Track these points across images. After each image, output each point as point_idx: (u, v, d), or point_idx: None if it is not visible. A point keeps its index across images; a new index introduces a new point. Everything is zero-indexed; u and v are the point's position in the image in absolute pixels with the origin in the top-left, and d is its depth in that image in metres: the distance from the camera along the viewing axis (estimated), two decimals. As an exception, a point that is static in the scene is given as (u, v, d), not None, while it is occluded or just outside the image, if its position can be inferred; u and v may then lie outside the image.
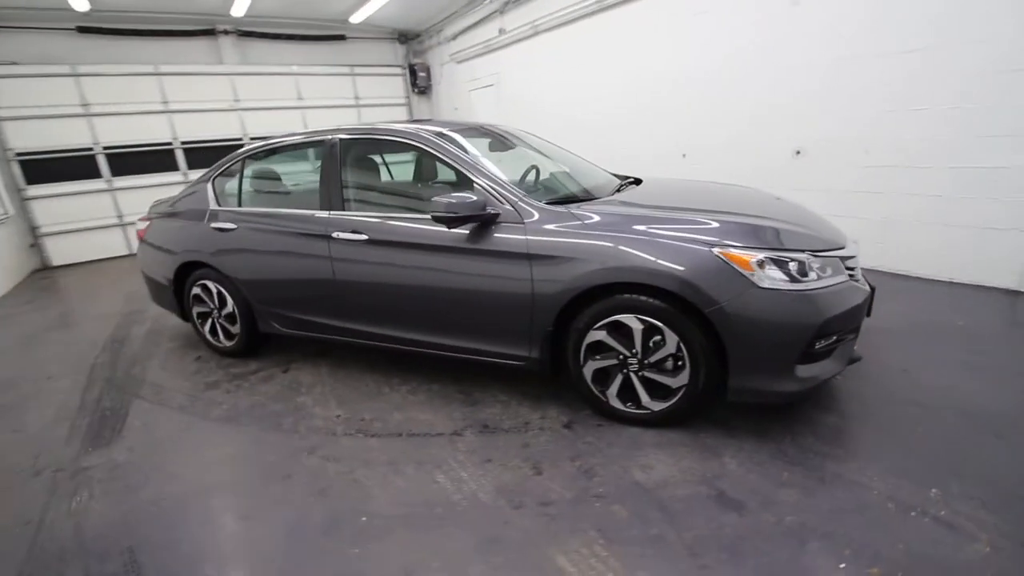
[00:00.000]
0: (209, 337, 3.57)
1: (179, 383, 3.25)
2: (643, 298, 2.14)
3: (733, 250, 2.04)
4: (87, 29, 7.11)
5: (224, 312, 3.39)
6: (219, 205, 3.35)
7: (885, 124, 3.95)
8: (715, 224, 2.20)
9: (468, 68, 8.86)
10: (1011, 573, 1.51)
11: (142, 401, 3.06)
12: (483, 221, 2.40)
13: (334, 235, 2.79)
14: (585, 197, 2.69)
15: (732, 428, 2.29)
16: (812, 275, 2.07)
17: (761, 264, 2.01)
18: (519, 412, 2.58)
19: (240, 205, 3.32)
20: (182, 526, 2.00)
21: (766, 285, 1.99)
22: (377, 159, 3.33)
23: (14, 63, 6.74)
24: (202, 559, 1.83)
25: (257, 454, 2.42)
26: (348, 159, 2.94)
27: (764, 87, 4.70)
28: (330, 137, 2.97)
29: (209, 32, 8.06)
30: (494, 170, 2.59)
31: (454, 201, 2.31)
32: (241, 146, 3.57)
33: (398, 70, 10.09)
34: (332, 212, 2.85)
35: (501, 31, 7.70)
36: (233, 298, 3.30)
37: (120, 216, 7.72)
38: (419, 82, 9.99)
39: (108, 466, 2.42)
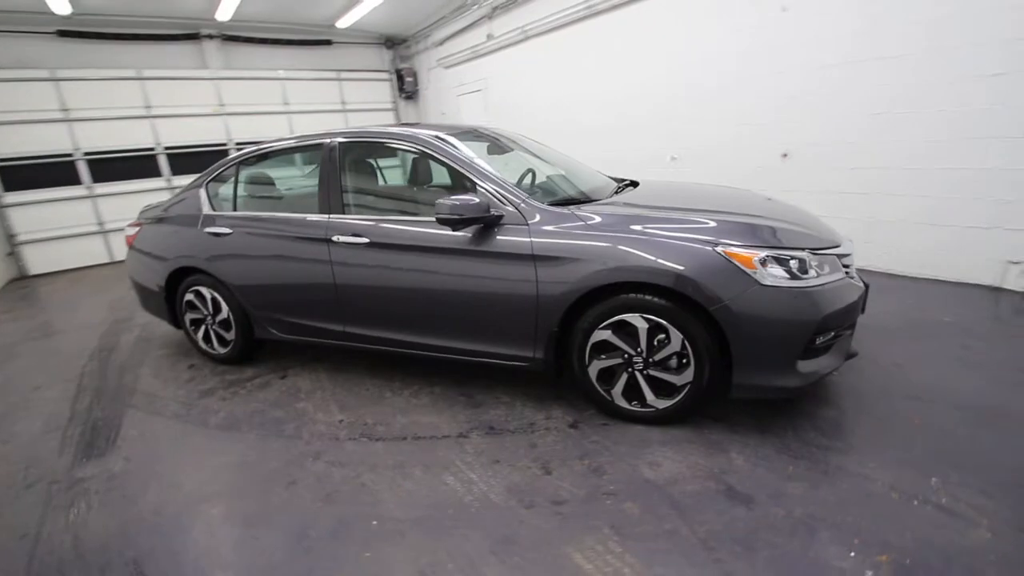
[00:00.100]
0: (202, 344, 3.50)
1: (173, 391, 3.19)
2: (648, 297, 2.17)
3: (736, 249, 2.08)
4: (67, 33, 6.97)
5: (218, 318, 3.34)
6: (213, 210, 3.30)
7: (870, 127, 4.07)
8: (716, 224, 2.24)
9: (456, 73, 8.88)
10: (1012, 557, 1.56)
11: (135, 410, 2.99)
12: (487, 223, 2.41)
13: (334, 239, 2.77)
14: (585, 199, 2.71)
15: (735, 424, 2.33)
16: (812, 272, 2.12)
17: (763, 262, 2.06)
18: (523, 413, 2.58)
19: (235, 209, 3.28)
20: (186, 535, 1.96)
21: (768, 283, 2.04)
22: (376, 162, 3.32)
23: (-9, 67, 6.59)
24: (210, 568, 1.79)
25: (260, 461, 2.38)
26: (347, 162, 2.93)
27: (752, 91, 4.80)
28: (328, 141, 2.95)
29: (193, 36, 7.96)
30: (497, 172, 2.60)
31: (458, 203, 2.32)
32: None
33: (385, 75, 10.08)
34: (332, 216, 2.84)
35: (489, 36, 7.75)
36: (228, 304, 3.26)
37: (101, 223, 7.55)
38: (406, 87, 9.99)
39: (105, 477, 2.36)
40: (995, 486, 1.84)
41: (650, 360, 2.25)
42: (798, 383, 2.12)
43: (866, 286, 2.38)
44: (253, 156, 3.30)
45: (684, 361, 2.20)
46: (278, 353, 3.58)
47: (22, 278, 7.06)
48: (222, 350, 3.44)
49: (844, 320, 2.19)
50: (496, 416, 2.58)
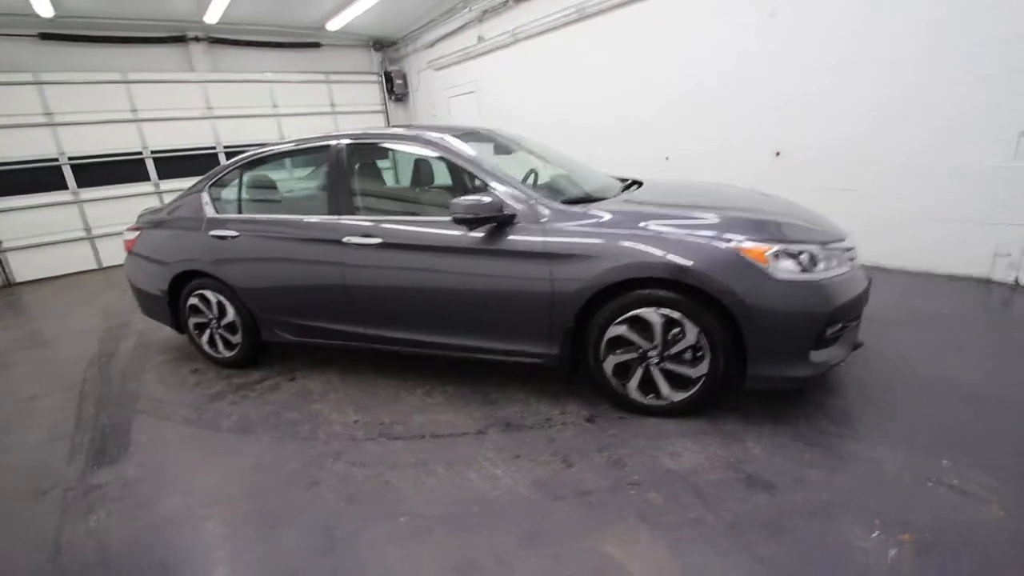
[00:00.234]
0: (207, 348, 3.47)
1: (180, 396, 3.16)
2: (663, 292, 2.22)
3: (749, 244, 2.14)
4: (50, 36, 6.82)
5: (224, 322, 3.31)
6: (217, 213, 3.28)
7: (860, 126, 4.19)
8: (726, 220, 2.29)
9: (447, 75, 8.89)
10: (1024, 533, 1.64)
11: (144, 416, 2.96)
12: (501, 222, 2.44)
13: (345, 240, 2.78)
14: (593, 198, 2.75)
15: (748, 414, 2.38)
16: (821, 266, 2.19)
17: (776, 256, 2.12)
18: (539, 409, 2.61)
19: (240, 212, 3.26)
20: (212, 537, 1.95)
21: (781, 276, 2.10)
22: (385, 163, 3.32)
23: (-29, 71, 6.43)
24: (241, 569, 1.79)
25: (278, 462, 2.37)
26: (356, 164, 2.94)
27: (744, 92, 4.91)
28: (335, 143, 2.95)
29: (179, 39, 7.85)
30: (509, 172, 2.63)
31: (474, 203, 2.34)
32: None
33: (374, 77, 10.04)
34: (341, 217, 2.84)
35: (480, 39, 7.77)
36: (234, 307, 3.23)
37: (88, 229, 7.41)
38: (396, 89, 9.97)
39: (121, 483, 2.33)
40: (1002, 467, 1.92)
41: (665, 354, 2.30)
42: (810, 373, 2.18)
43: (870, 279, 2.46)
44: (257, 159, 3.28)
45: (699, 354, 2.25)
46: (284, 356, 3.56)
47: (7, 286, 6.90)
48: (227, 354, 3.41)
49: (852, 311, 2.26)
50: (512, 413, 2.60)
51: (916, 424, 2.23)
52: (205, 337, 3.45)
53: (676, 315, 2.22)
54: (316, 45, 9.16)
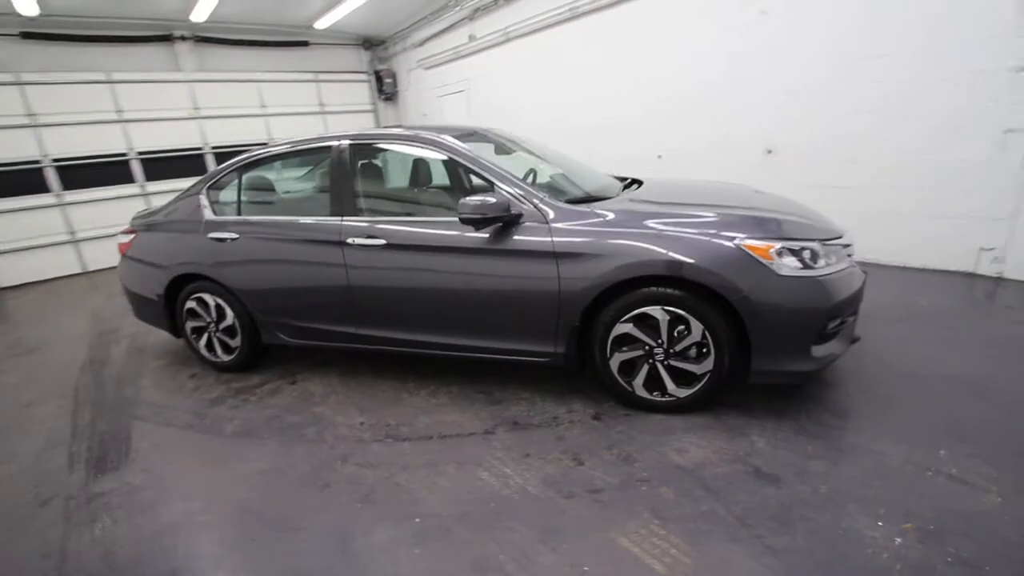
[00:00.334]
0: (205, 352, 3.43)
1: (179, 401, 3.12)
2: (669, 290, 2.26)
3: (753, 241, 2.18)
4: (32, 35, 6.67)
5: (222, 325, 3.28)
6: (215, 215, 3.24)
7: (847, 124, 4.28)
8: (731, 218, 2.34)
9: (437, 74, 8.87)
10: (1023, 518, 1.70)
11: (143, 422, 2.92)
12: (507, 222, 2.45)
13: (349, 241, 2.77)
14: (595, 197, 2.78)
15: (751, 409, 2.43)
16: (822, 262, 2.24)
17: (779, 253, 2.16)
18: (545, 408, 2.64)
19: (240, 214, 3.22)
20: (224, 542, 1.94)
21: (784, 273, 2.15)
22: (388, 164, 3.31)
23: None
24: (263, 572, 1.78)
25: (287, 466, 2.36)
26: (359, 165, 2.93)
27: (735, 91, 4.98)
28: (336, 143, 2.94)
29: (165, 38, 7.72)
30: (514, 171, 2.64)
31: (481, 203, 2.35)
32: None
33: (363, 76, 9.98)
34: (345, 218, 2.83)
35: (471, 38, 7.77)
36: (233, 310, 3.20)
37: (72, 232, 7.26)
38: (385, 88, 9.92)
39: (125, 490, 2.31)
40: (997, 455, 1.99)
41: (671, 351, 2.34)
42: (812, 367, 2.23)
43: (865, 274, 2.53)
44: (255, 160, 3.25)
45: (704, 351, 2.29)
46: (283, 359, 3.54)
47: (-12, 291, 6.73)
48: (226, 358, 3.38)
49: (850, 306, 2.31)
50: (518, 412, 2.62)
51: (913, 416, 2.29)
52: (203, 341, 3.41)
53: (681, 312, 2.25)
54: (304, 44, 9.07)
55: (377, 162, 3.21)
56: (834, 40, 4.22)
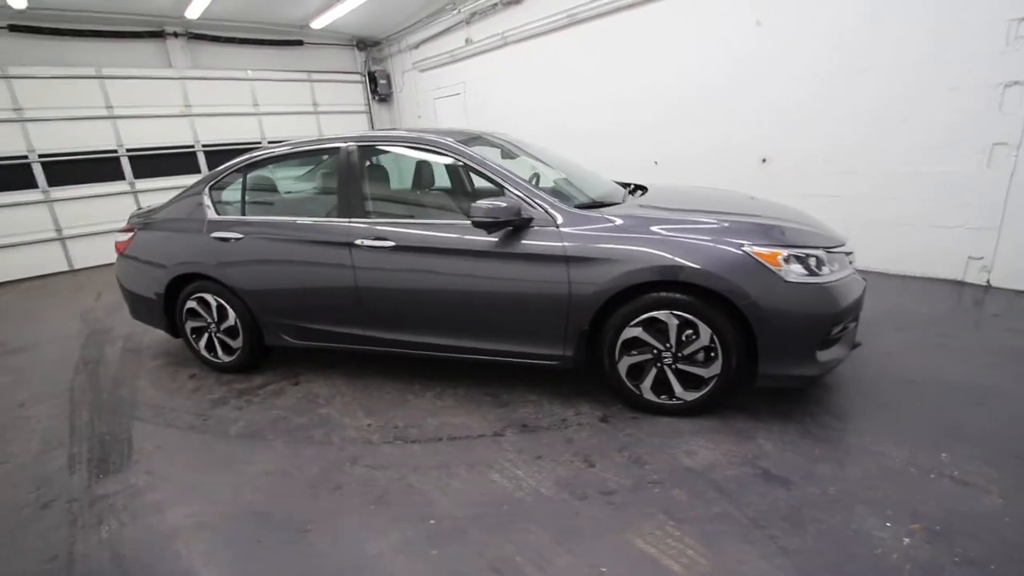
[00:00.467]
0: (205, 353, 3.39)
1: (180, 402, 3.08)
2: (679, 295, 2.29)
3: (761, 248, 2.23)
4: (20, 28, 6.53)
5: (224, 326, 3.25)
6: (218, 215, 3.21)
7: (842, 134, 4.38)
8: (738, 225, 2.39)
9: (432, 77, 8.87)
10: None
11: (143, 423, 2.88)
12: (518, 226, 2.47)
13: (356, 243, 2.76)
14: (600, 203, 2.80)
15: (757, 413, 2.48)
16: (826, 269, 2.30)
17: (787, 260, 2.21)
18: (553, 410, 2.65)
19: (244, 214, 3.20)
20: (237, 544, 1.92)
21: (791, 279, 2.20)
22: (396, 166, 3.31)
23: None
24: (275, 574, 1.77)
25: (295, 468, 2.35)
26: (368, 166, 2.93)
27: (730, 99, 5.07)
28: (344, 144, 2.94)
29: (157, 34, 7.62)
30: (523, 175, 2.67)
31: (493, 206, 2.37)
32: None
33: (357, 77, 9.94)
34: (353, 219, 2.82)
35: (468, 41, 7.79)
36: (235, 310, 3.17)
37: (59, 229, 7.12)
38: (379, 89, 9.89)
39: (129, 492, 2.27)
40: (996, 457, 2.05)
41: (679, 355, 2.37)
42: (817, 372, 2.29)
43: (865, 281, 2.59)
44: (259, 160, 3.23)
45: (712, 355, 2.33)
46: (285, 360, 3.51)
47: (-29, 289, 6.56)
48: (226, 358, 3.34)
49: (853, 312, 2.37)
50: (527, 414, 2.64)
51: (913, 418, 2.36)
52: (203, 342, 3.37)
53: (690, 317, 2.29)
54: (299, 43, 9.02)
55: (384, 164, 3.21)
56: (830, 52, 4.32)
